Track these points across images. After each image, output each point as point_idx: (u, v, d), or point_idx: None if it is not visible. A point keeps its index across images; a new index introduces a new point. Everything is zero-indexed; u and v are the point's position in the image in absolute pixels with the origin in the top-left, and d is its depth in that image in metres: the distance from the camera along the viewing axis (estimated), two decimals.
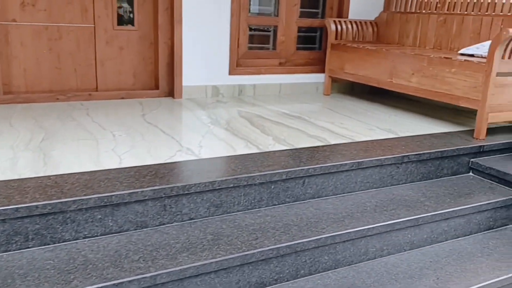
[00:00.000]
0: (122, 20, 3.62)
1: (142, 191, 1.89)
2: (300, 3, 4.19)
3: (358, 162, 2.41)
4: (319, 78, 4.34)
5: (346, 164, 2.38)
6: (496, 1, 3.37)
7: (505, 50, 2.84)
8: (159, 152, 2.38)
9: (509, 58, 2.89)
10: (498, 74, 2.87)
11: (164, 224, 1.99)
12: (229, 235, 1.94)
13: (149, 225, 1.96)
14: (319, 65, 4.33)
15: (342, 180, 2.42)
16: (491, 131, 3.09)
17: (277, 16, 4.11)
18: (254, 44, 4.16)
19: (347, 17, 4.31)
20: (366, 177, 2.49)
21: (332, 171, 2.35)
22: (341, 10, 4.30)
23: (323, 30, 4.36)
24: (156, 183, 1.95)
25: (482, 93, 2.88)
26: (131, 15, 3.63)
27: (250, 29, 4.09)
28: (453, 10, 3.67)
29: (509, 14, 3.31)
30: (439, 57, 3.15)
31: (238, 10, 3.84)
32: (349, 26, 4.22)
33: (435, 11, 3.82)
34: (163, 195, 1.94)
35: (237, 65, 3.96)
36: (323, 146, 2.62)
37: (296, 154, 2.44)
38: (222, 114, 3.28)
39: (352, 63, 3.91)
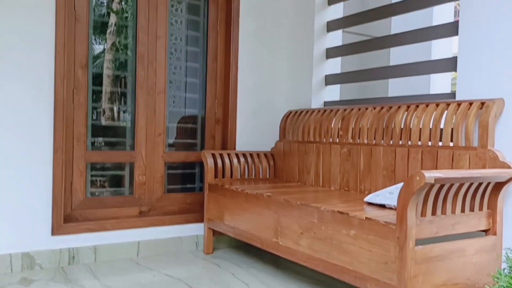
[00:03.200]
0: None
1: None
2: (168, 132, 3.19)
3: None
4: (199, 229, 3.17)
5: None
6: (411, 126, 2.43)
7: (424, 203, 1.79)
8: None
9: (433, 214, 1.83)
10: (419, 242, 1.78)
11: None
12: None
13: None
14: (199, 212, 3.19)
15: None
16: None
17: (133, 149, 3.04)
18: (100, 188, 3.02)
19: (234, 148, 3.31)
20: None
21: None
22: (226, 140, 3.31)
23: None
24: None
25: (398, 274, 1.74)
26: None
27: (94, 168, 2.98)
28: (359, 139, 2.71)
29: (430, 144, 2.35)
30: (331, 211, 2.07)
31: (67, 143, 2.76)
32: (235, 160, 3.19)
33: (337, 140, 2.86)
34: None
35: (66, 220, 2.75)
36: None
37: None
38: None
39: (231, 212, 2.79)
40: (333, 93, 3.35)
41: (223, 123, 3.34)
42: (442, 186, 1.82)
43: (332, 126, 2.90)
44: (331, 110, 2.97)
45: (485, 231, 2.05)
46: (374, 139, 2.63)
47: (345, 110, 2.87)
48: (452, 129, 2.26)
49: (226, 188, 2.84)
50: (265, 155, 3.33)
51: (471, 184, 1.92)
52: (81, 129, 2.84)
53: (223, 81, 3.33)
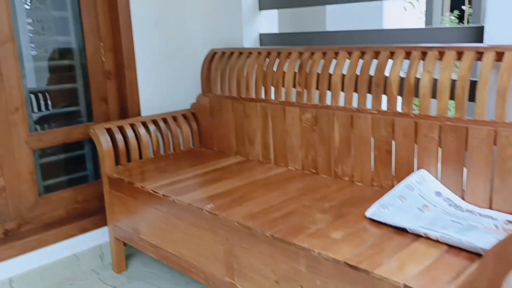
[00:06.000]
0: None
1: None
2: (32, 102, 2.03)
3: None
4: (103, 235, 2.22)
5: None
6: (419, 87, 1.61)
7: None
8: None
9: None
10: None
11: None
12: None
13: None
14: (100, 212, 2.20)
15: None
16: None
17: None
18: None
19: (139, 114, 2.27)
20: None
21: None
22: (125, 102, 2.24)
23: None
24: None
25: None
26: None
27: None
28: (330, 100, 1.84)
29: (452, 117, 1.56)
30: (332, 261, 1.25)
31: None
32: (142, 130, 2.17)
33: (293, 100, 1.96)
34: None
35: None
36: None
37: None
38: None
39: (150, 225, 1.86)
40: (270, 22, 2.37)
41: (117, 77, 2.23)
42: None
43: (285, 77, 1.98)
44: (279, 53, 2.02)
45: None
46: (357, 102, 1.78)
47: (301, 54, 1.94)
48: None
49: (137, 189, 1.87)
50: (184, 115, 2.34)
51: None
52: None
53: (108, 12, 2.16)
